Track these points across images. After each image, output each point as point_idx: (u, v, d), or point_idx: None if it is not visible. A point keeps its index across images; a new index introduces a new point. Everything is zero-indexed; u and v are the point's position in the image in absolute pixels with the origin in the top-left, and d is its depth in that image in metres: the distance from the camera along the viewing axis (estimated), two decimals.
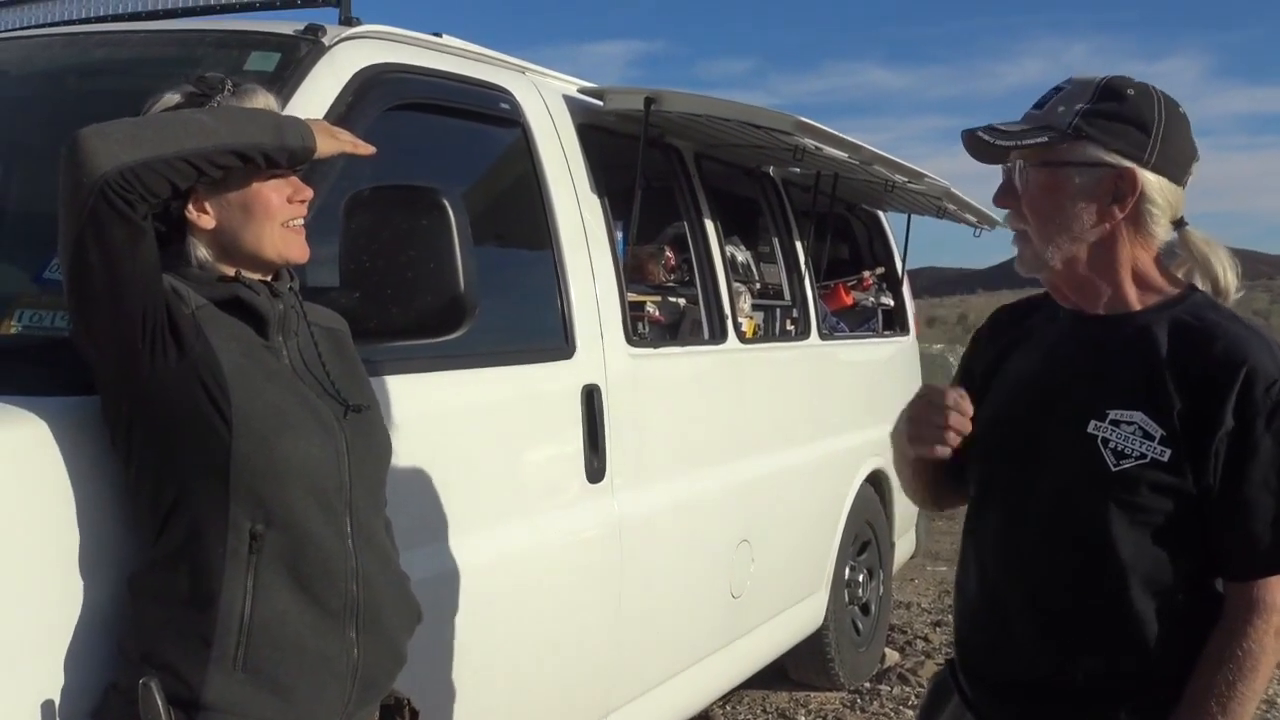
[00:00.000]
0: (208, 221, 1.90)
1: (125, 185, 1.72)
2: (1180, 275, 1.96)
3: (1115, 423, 1.84)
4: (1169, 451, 1.81)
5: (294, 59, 2.62)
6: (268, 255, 1.94)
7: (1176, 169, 1.89)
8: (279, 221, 1.94)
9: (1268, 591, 1.81)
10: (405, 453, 2.54)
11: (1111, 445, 1.84)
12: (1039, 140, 1.86)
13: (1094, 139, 1.85)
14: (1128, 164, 1.85)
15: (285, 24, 2.79)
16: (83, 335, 1.85)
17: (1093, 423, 1.86)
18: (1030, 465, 1.94)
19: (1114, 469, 1.83)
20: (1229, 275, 1.95)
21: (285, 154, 1.91)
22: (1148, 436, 1.82)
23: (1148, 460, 1.82)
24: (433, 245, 2.22)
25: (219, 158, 1.82)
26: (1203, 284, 1.95)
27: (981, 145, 1.92)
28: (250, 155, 1.85)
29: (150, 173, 1.75)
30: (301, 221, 1.98)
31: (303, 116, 2.08)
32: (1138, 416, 1.83)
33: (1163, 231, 1.91)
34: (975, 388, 2.12)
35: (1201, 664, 1.83)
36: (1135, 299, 1.91)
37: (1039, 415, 1.95)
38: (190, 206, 1.89)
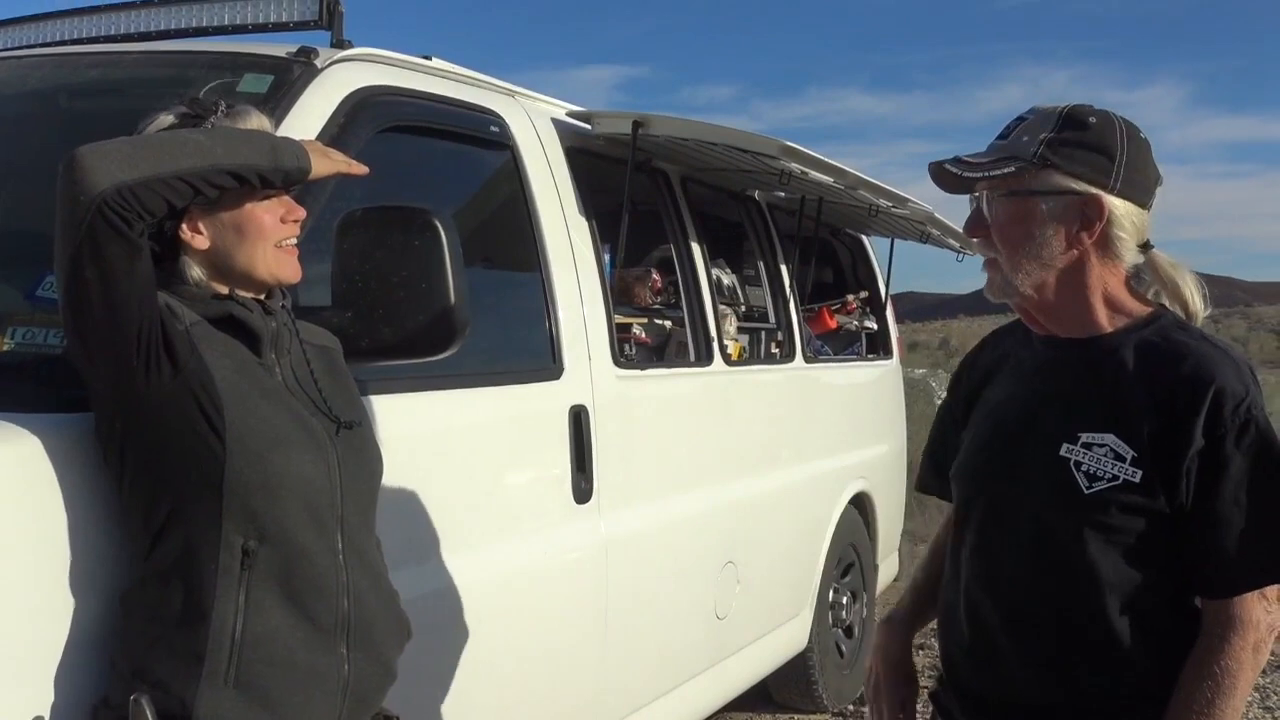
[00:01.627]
0: (201, 242, 1.92)
1: (123, 204, 1.73)
2: (1149, 296, 1.99)
3: (1087, 445, 1.87)
4: (1140, 473, 1.83)
5: (287, 80, 2.64)
6: (260, 275, 1.96)
7: (1141, 193, 1.92)
8: (272, 242, 1.95)
9: (1243, 608, 1.83)
10: (394, 471, 2.54)
11: (1084, 468, 1.86)
12: (1005, 170, 1.88)
13: (1059, 167, 1.87)
14: (1094, 190, 1.88)
15: (278, 46, 2.81)
16: (78, 352, 1.85)
17: (1065, 446, 1.88)
18: (1008, 489, 1.96)
19: (1087, 491, 1.85)
20: (1197, 298, 1.98)
21: (280, 175, 1.92)
22: (1119, 458, 1.84)
23: (1120, 482, 1.84)
24: (424, 265, 2.24)
25: (215, 178, 1.83)
26: (1172, 306, 1.98)
27: (949, 177, 1.94)
28: (246, 176, 1.87)
29: (147, 191, 1.76)
30: (294, 241, 2.00)
31: (296, 137, 2.10)
32: (1109, 439, 1.86)
33: (1130, 255, 1.94)
34: (960, 413, 2.15)
35: (1181, 682, 1.85)
36: (1105, 321, 1.94)
37: (1015, 440, 1.97)
38: (184, 226, 1.90)
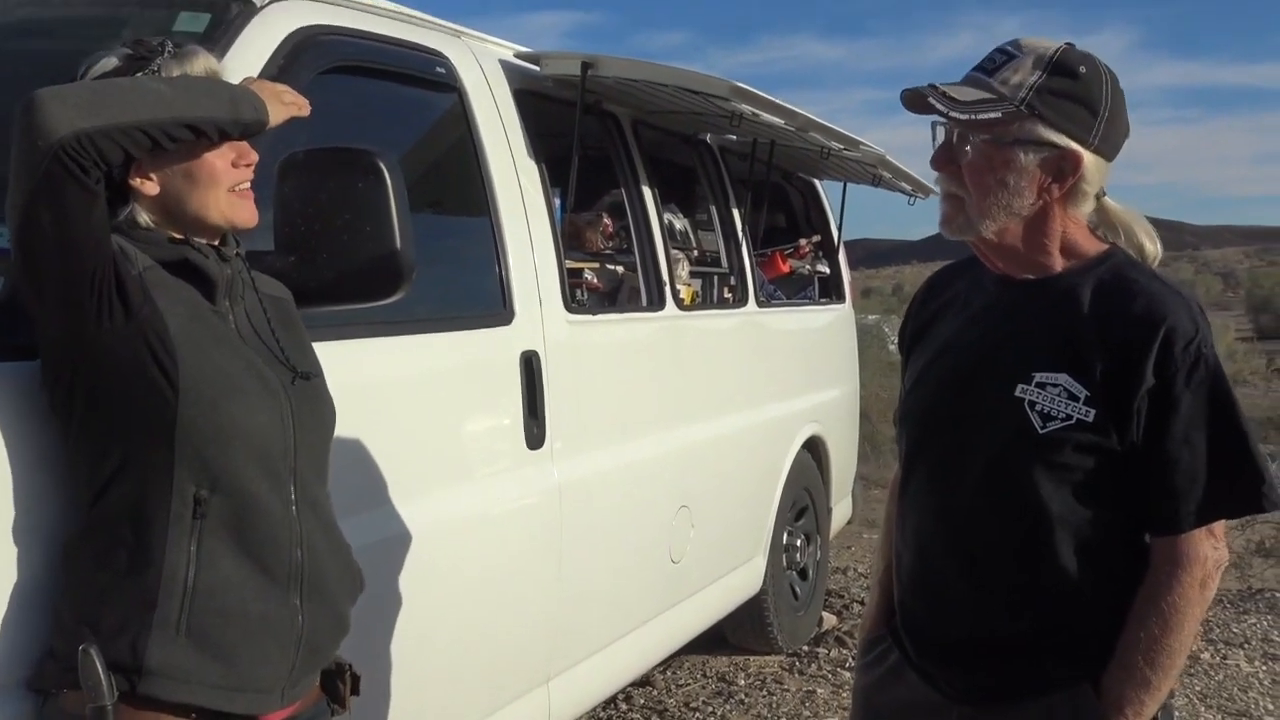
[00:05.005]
0: (151, 188, 1.88)
1: (81, 151, 1.71)
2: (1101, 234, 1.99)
3: (1041, 385, 1.87)
4: (1094, 412, 1.84)
5: (224, 20, 2.57)
6: (213, 220, 1.92)
7: (1112, 149, 1.91)
8: (225, 187, 1.92)
9: (1191, 545, 1.85)
10: (342, 419, 2.51)
11: (1038, 407, 1.86)
12: (992, 115, 1.84)
13: (1045, 118, 1.84)
14: (1073, 145, 1.86)
15: None
16: (29, 297, 1.81)
17: (1019, 386, 1.88)
18: (959, 429, 1.96)
19: (1041, 431, 1.86)
20: (1150, 242, 1.98)
21: (239, 127, 1.89)
22: (1073, 398, 1.85)
23: (1073, 421, 1.84)
24: (368, 208, 2.19)
25: (174, 130, 1.80)
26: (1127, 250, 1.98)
27: (922, 105, 1.89)
28: (204, 129, 1.84)
29: (106, 140, 1.73)
30: (248, 185, 1.96)
31: (245, 75, 2.05)
32: (1062, 378, 1.86)
33: (1089, 205, 1.93)
34: (907, 352, 2.14)
35: (1130, 618, 1.87)
36: (1060, 264, 1.93)
37: (967, 380, 1.97)
38: (133, 173, 1.86)
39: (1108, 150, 1.90)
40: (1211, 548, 1.86)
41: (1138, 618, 1.86)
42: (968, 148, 1.88)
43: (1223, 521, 1.88)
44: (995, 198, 1.87)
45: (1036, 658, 1.93)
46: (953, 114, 1.86)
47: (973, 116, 1.85)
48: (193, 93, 1.85)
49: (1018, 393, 1.88)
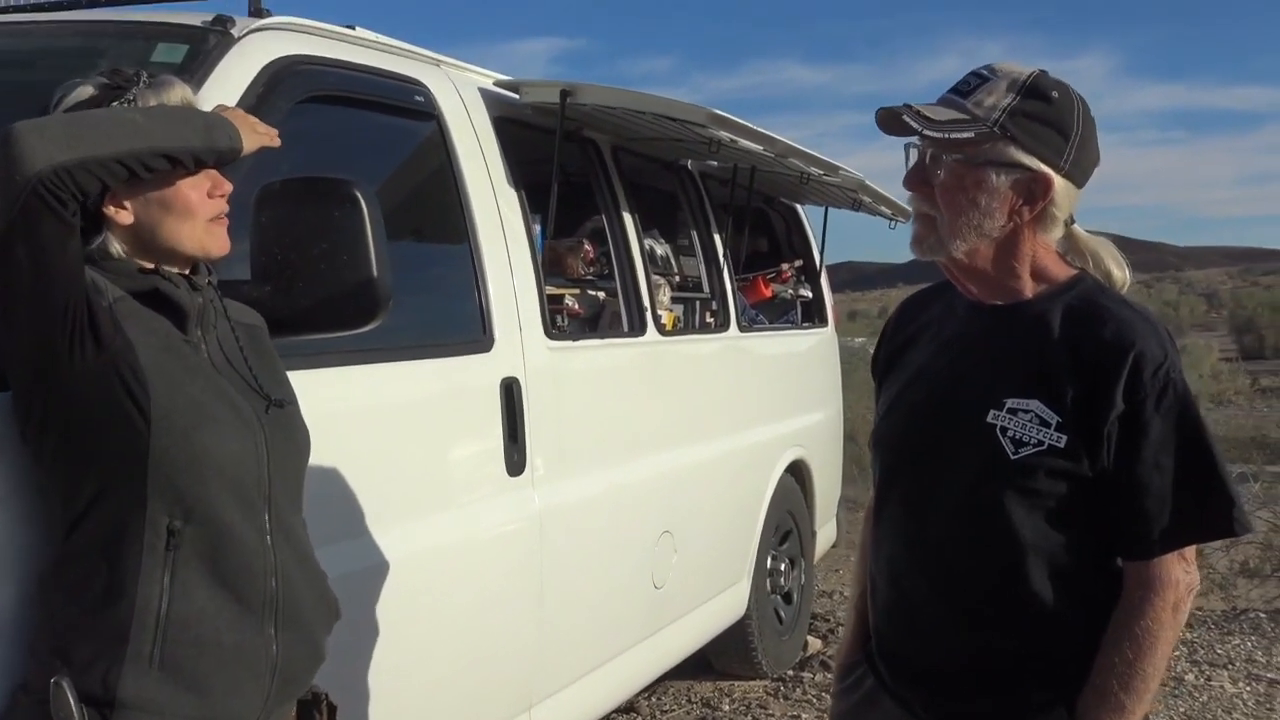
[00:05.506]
0: (125, 217, 1.88)
1: (59, 184, 1.71)
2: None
3: (1013, 411, 1.88)
4: (1065, 437, 1.85)
5: (202, 51, 2.59)
6: (188, 250, 1.93)
7: (1082, 175, 1.93)
8: (201, 218, 1.93)
9: (1163, 569, 1.86)
10: (323, 447, 2.50)
11: (1010, 434, 1.87)
12: (965, 135, 1.86)
13: (1017, 140, 1.86)
14: (1044, 169, 1.87)
15: (193, 15, 2.75)
16: (0, 329, 1.81)
17: (991, 412, 1.89)
18: (932, 456, 1.97)
19: (1013, 457, 1.87)
20: (1119, 269, 2.00)
21: (214, 155, 1.90)
22: (1044, 424, 1.86)
23: (1045, 447, 1.85)
24: (345, 237, 2.20)
25: (151, 160, 1.81)
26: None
27: (898, 126, 1.90)
28: (181, 158, 1.85)
29: (83, 172, 1.74)
30: (222, 214, 1.97)
31: (219, 103, 2.07)
32: (1034, 404, 1.87)
33: (1059, 230, 1.95)
34: (880, 378, 2.15)
35: (1104, 643, 1.87)
36: (1029, 289, 1.95)
37: (939, 407, 1.98)
38: (107, 202, 1.86)
39: (1078, 176, 1.92)
40: (1183, 571, 1.87)
41: (1111, 642, 1.87)
42: (939, 170, 1.89)
43: (1194, 547, 1.89)
44: (967, 218, 1.88)
45: (1011, 683, 1.94)
46: (927, 132, 1.88)
47: (946, 135, 1.86)
48: (168, 122, 1.86)
49: (989, 419, 1.89)
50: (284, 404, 2.01)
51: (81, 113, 1.88)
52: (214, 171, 1.96)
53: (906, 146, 1.95)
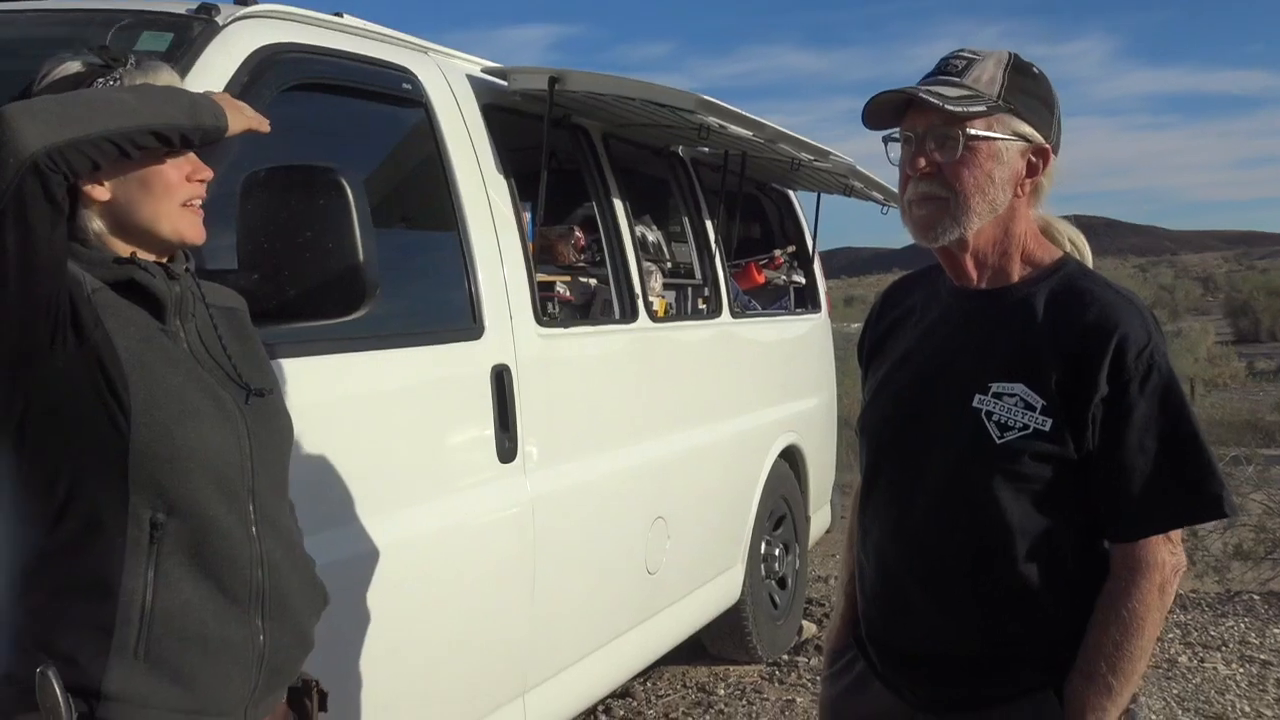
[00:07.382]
0: (102, 194, 1.86)
1: (52, 165, 1.69)
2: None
3: (997, 395, 1.88)
4: (1050, 421, 1.85)
5: (187, 39, 2.57)
6: (164, 233, 1.90)
7: (1058, 148, 1.95)
8: (178, 200, 1.90)
9: (1149, 551, 1.86)
10: (310, 435, 2.51)
11: (995, 418, 1.88)
12: (978, 109, 1.87)
13: (1020, 113, 1.89)
14: (1041, 139, 1.91)
15: (177, 3, 2.74)
16: None
17: (976, 396, 1.90)
18: (918, 441, 1.97)
19: (999, 441, 1.87)
20: (1083, 248, 2.03)
21: (199, 133, 1.89)
22: (1029, 407, 1.86)
23: (1030, 431, 1.86)
24: (331, 225, 2.20)
25: (140, 138, 1.79)
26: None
27: (889, 119, 1.92)
28: (168, 135, 1.83)
29: (75, 152, 1.72)
30: (200, 201, 1.96)
31: (206, 89, 2.06)
32: (1018, 388, 1.87)
33: (1043, 206, 1.97)
34: (865, 364, 2.16)
35: (1091, 625, 1.88)
36: (1016, 271, 1.96)
37: (924, 391, 1.98)
38: (85, 179, 1.85)
39: (1056, 148, 1.95)
40: (1169, 553, 1.87)
41: (1098, 624, 1.87)
42: (949, 149, 1.88)
43: (1179, 529, 1.90)
44: (983, 193, 1.89)
45: (999, 666, 1.94)
46: (948, 107, 1.86)
47: (965, 109, 1.87)
48: (155, 100, 1.85)
49: (975, 403, 1.89)
50: (264, 393, 1.99)
51: (69, 93, 1.86)
52: (194, 156, 1.95)
53: (886, 139, 1.96)
